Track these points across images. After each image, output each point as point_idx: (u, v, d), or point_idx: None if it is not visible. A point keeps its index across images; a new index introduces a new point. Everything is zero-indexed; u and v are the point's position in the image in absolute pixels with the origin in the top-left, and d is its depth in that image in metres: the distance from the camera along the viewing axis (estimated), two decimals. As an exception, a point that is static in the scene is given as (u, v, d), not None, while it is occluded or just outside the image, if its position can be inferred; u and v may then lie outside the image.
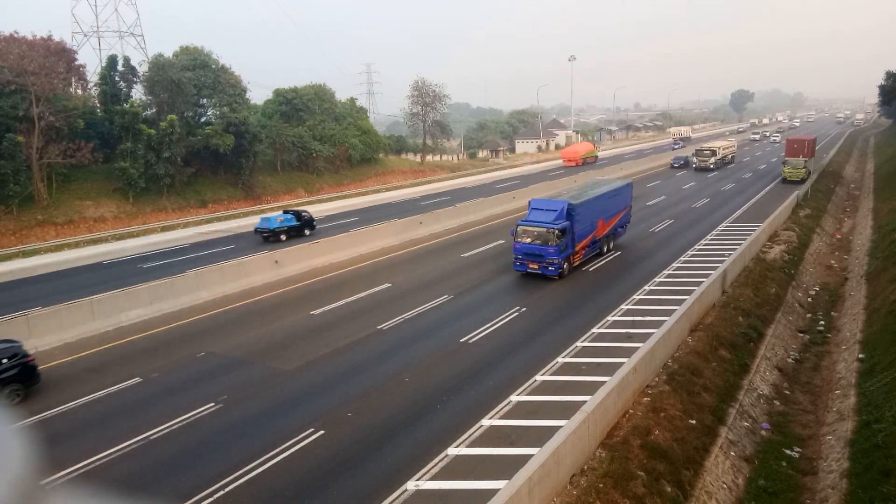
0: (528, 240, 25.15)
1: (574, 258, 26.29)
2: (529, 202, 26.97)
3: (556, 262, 24.76)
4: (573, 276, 26.25)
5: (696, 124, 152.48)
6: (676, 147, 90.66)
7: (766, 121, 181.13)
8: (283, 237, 34.98)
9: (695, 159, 66.16)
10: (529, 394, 15.33)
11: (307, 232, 36.42)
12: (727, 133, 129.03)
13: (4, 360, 15.63)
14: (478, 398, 15.20)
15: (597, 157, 79.98)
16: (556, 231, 24.57)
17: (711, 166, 64.65)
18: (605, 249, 29.80)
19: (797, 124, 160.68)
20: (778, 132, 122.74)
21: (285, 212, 37.31)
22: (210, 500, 11.39)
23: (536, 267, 25.01)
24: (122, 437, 13.60)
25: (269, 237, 34.79)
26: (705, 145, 68.89)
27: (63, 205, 41.74)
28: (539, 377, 16.23)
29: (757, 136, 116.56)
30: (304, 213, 37.14)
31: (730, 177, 60.37)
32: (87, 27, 65.88)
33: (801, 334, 23.19)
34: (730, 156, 71.02)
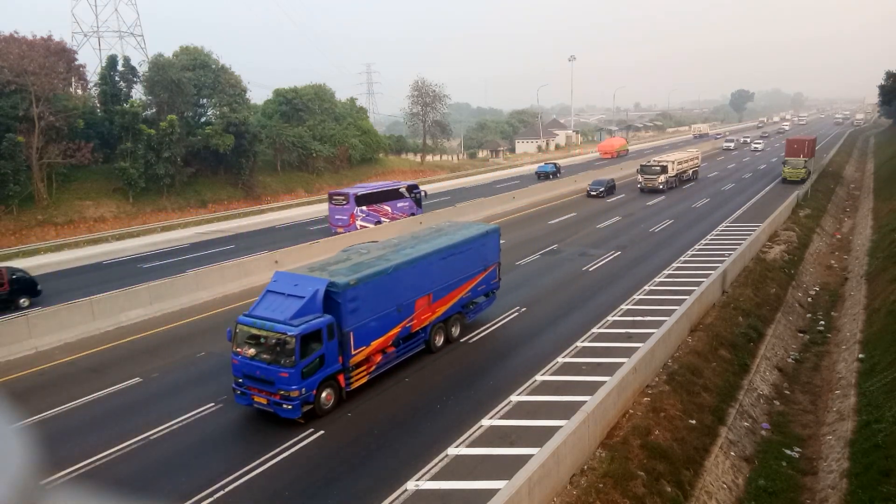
0: (252, 351, 14.11)
1: (349, 377, 14.97)
2: (273, 276, 15.59)
3: (294, 394, 13.46)
4: (572, 276, 26.21)
5: (695, 124, 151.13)
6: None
7: (776, 118, 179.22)
8: (551, 177, 58.53)
9: (640, 177, 51.94)
10: (529, 394, 15.35)
11: (559, 175, 59.66)
12: (727, 133, 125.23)
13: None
14: (478, 398, 15.22)
15: (628, 150, 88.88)
16: (292, 339, 13.42)
17: (661, 187, 50.09)
18: (440, 342, 18.09)
19: (786, 127, 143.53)
20: (762, 138, 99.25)
21: (546, 164, 64.69)
22: (210, 500, 11.40)
23: (266, 401, 13.85)
24: (122, 437, 13.61)
25: (542, 177, 58.86)
26: (654, 159, 54.13)
27: (63, 205, 41.69)
28: (539, 377, 16.25)
29: (731, 145, 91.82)
30: (557, 164, 64.68)
31: (727, 179, 60.33)
32: (87, 27, 65.75)
33: (801, 334, 23.19)
34: (690, 171, 56.46)
